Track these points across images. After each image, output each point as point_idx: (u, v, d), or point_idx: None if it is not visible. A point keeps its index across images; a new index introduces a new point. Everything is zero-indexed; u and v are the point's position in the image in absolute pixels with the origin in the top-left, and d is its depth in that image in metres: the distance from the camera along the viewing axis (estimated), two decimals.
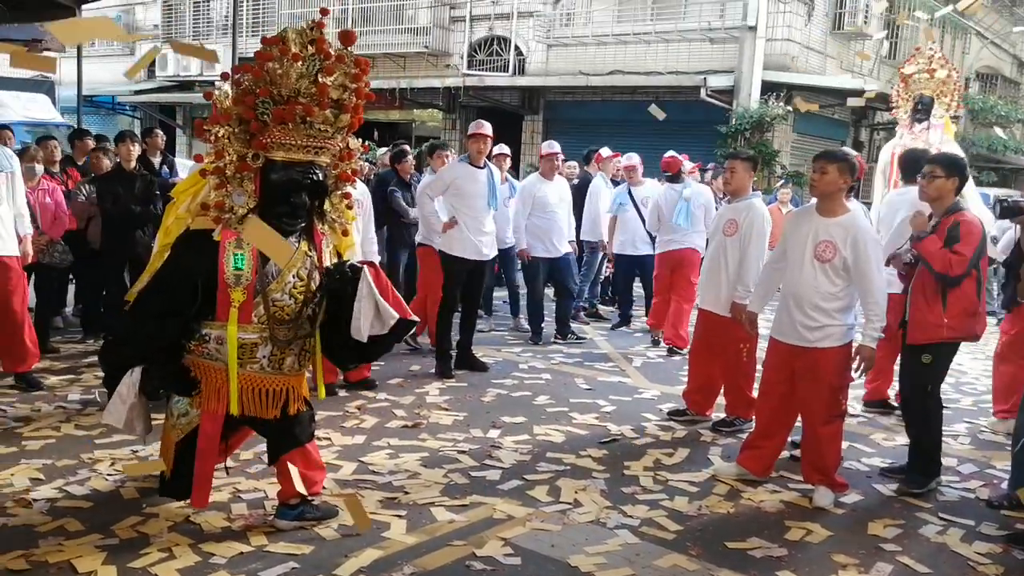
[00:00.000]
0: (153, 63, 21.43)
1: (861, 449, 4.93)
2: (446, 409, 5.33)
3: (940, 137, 7.36)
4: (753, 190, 5.25)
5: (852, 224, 3.98)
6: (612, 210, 8.08)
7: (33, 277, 6.14)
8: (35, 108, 14.48)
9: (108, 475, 3.96)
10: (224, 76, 3.42)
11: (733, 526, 3.77)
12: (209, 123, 3.31)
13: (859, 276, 3.95)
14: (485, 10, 17.20)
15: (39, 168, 6.17)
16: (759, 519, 3.88)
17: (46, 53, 13.11)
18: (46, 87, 16.38)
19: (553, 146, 7.40)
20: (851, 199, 4.83)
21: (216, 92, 3.35)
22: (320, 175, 3.35)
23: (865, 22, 15.27)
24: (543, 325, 7.62)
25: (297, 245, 3.38)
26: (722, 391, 5.31)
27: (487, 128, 6.24)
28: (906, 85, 7.71)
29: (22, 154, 6.06)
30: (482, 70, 17.16)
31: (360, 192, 5.93)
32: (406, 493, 3.91)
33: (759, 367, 4.72)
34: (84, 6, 10.19)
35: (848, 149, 4.88)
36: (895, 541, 3.70)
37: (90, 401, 5.14)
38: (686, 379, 5.55)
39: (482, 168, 6.23)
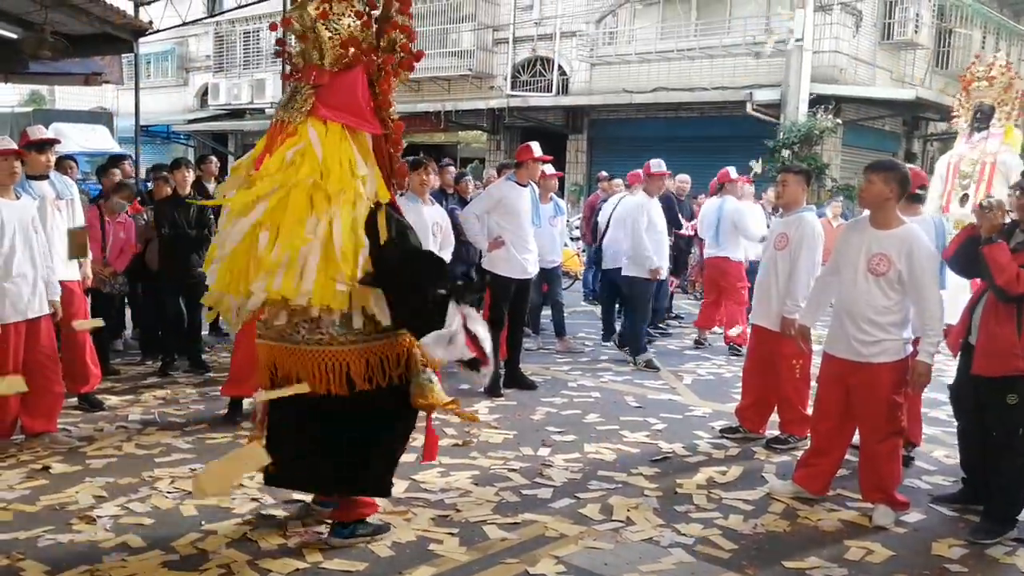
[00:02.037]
0: (206, 91, 22.16)
1: (922, 467, 4.79)
2: (496, 427, 5.33)
3: (998, 146, 7.15)
4: (806, 203, 5.20)
5: (907, 236, 3.88)
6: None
7: (90, 301, 6.35)
8: (95, 138, 15.07)
9: (168, 493, 4.05)
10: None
11: (790, 545, 3.69)
12: None
13: (914, 289, 3.85)
14: (528, 31, 17.36)
15: (126, 205, 6.56)
16: (817, 538, 3.79)
17: (105, 84, 13.66)
18: (104, 118, 17.03)
19: (661, 165, 7.29)
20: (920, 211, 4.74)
21: None
22: None
23: (916, 31, 14.99)
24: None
25: None
26: (776, 408, 5.22)
27: (540, 150, 6.33)
28: (967, 95, 7.53)
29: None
30: (526, 91, 17.30)
31: (439, 215, 6.00)
32: (458, 511, 3.92)
33: (813, 383, 4.64)
34: (140, 40, 10.61)
35: (898, 160, 4.81)
36: (960, 562, 3.58)
37: (150, 421, 5.28)
38: (739, 396, 5.47)
39: (526, 187, 6.30)
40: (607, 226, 8.20)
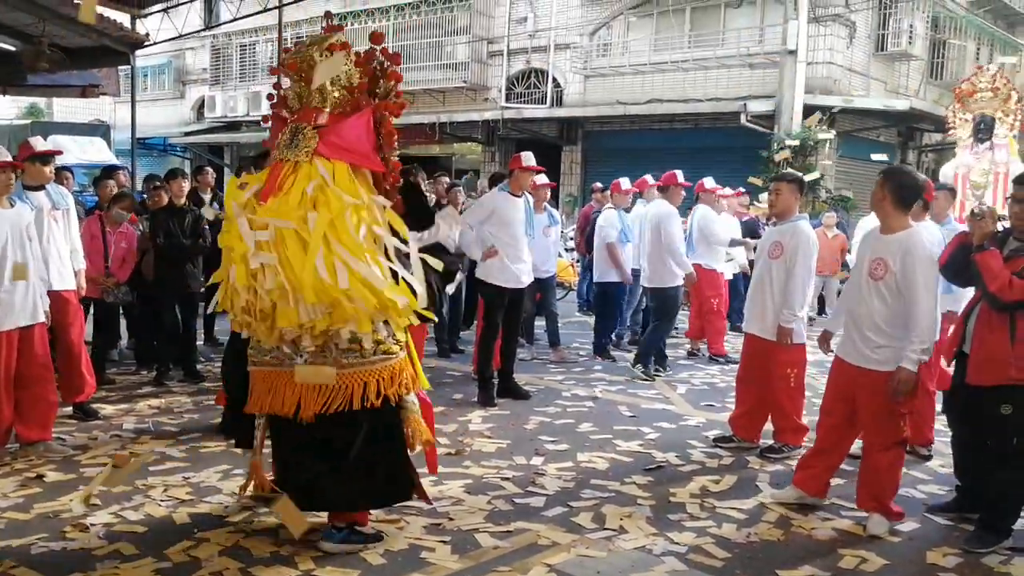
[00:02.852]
0: (202, 104, 22.24)
1: (917, 476, 4.79)
2: (489, 437, 5.33)
3: (1007, 157, 7.21)
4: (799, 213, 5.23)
5: (906, 240, 3.87)
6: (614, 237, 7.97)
7: (92, 311, 6.38)
8: (92, 151, 15.11)
9: (161, 501, 4.05)
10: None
11: (784, 554, 3.69)
12: None
13: (906, 292, 3.81)
14: (522, 44, 17.45)
15: (127, 215, 6.56)
16: (811, 547, 3.78)
17: (102, 97, 13.73)
18: (102, 131, 17.08)
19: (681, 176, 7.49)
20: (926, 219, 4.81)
21: None
22: None
23: (910, 43, 15.09)
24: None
25: None
26: (770, 417, 5.22)
27: (533, 160, 6.35)
28: (962, 105, 7.60)
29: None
30: (520, 102, 17.37)
31: None
32: (450, 519, 3.92)
33: (808, 392, 4.63)
34: (137, 52, 10.68)
35: (904, 166, 4.89)
36: (955, 571, 3.57)
37: (144, 430, 5.28)
38: (732, 405, 5.48)
39: (519, 197, 6.32)
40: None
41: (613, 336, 8.40)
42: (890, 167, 4.28)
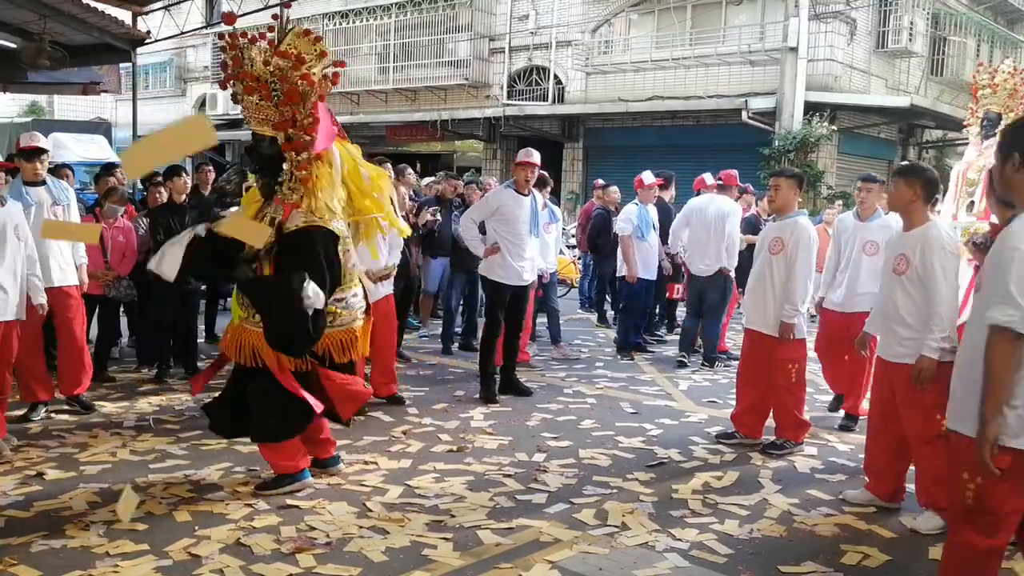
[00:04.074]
0: (204, 102, 22.21)
1: None
2: (491, 433, 5.32)
3: None
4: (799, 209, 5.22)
5: (924, 234, 3.94)
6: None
7: (98, 309, 6.38)
8: (93, 148, 15.11)
9: (162, 499, 4.04)
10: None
11: (786, 550, 3.68)
12: None
13: (926, 282, 3.87)
14: (524, 41, 17.43)
15: (120, 209, 6.50)
16: (813, 543, 3.78)
17: (103, 94, 13.71)
18: (103, 128, 17.08)
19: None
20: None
21: None
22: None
23: (910, 39, 15.07)
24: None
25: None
26: (772, 413, 5.20)
27: (536, 156, 6.25)
28: (977, 101, 7.61)
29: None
30: (522, 100, 17.35)
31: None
32: (452, 516, 3.91)
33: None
34: (138, 49, 10.66)
35: (915, 163, 4.88)
36: None
37: (144, 427, 5.27)
38: (735, 401, 5.47)
39: (526, 195, 6.27)
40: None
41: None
42: (908, 165, 4.26)
